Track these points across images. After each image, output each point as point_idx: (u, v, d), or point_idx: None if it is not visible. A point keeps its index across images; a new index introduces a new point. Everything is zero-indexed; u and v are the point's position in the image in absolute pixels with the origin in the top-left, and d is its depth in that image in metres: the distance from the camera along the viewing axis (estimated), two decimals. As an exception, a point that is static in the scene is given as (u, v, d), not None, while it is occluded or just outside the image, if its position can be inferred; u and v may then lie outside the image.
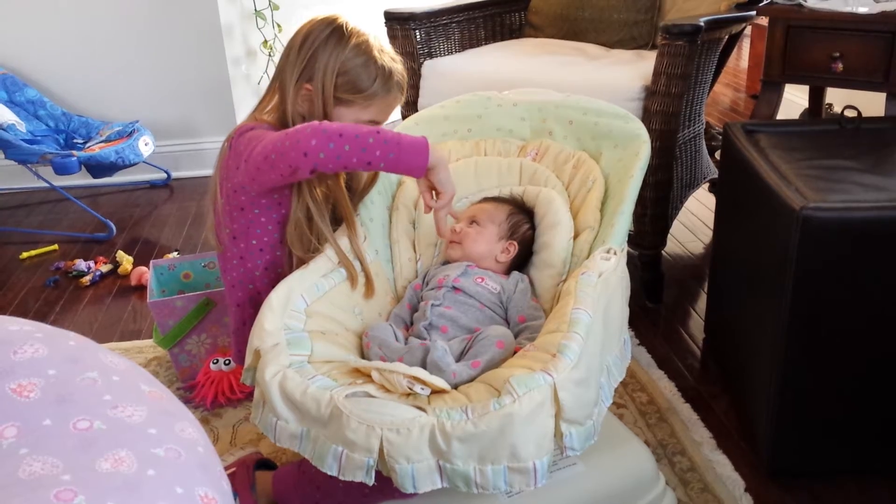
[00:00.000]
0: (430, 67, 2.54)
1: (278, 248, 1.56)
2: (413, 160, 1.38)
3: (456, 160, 1.78)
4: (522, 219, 1.67)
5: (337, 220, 1.59)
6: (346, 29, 1.49)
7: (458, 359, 1.39)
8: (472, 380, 1.31)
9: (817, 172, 1.64)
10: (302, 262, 1.51)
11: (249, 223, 1.55)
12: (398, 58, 1.56)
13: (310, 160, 1.34)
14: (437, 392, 1.25)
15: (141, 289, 2.59)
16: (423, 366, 1.32)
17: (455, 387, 1.29)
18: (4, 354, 0.97)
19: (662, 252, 2.37)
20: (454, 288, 1.56)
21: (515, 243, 1.65)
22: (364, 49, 1.49)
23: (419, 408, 1.18)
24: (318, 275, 1.46)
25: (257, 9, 3.57)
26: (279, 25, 3.59)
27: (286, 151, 1.35)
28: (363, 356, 1.43)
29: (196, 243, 2.96)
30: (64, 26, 3.46)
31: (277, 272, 1.54)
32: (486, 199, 1.72)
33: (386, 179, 1.71)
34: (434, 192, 1.49)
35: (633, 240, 2.28)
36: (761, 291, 1.67)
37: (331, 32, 1.49)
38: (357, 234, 1.57)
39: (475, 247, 1.63)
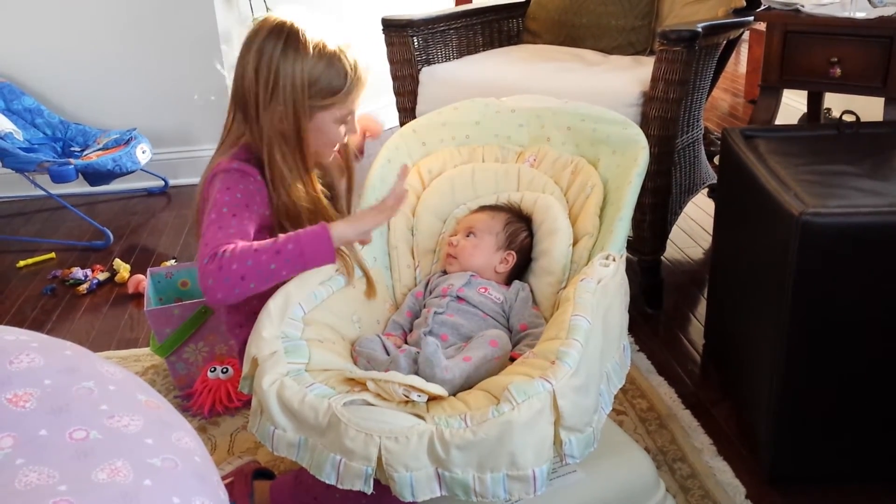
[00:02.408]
0: (427, 74, 2.54)
1: None
2: (319, 258, 1.36)
3: (454, 167, 1.78)
4: (520, 227, 1.66)
5: None
6: (298, 34, 1.42)
7: (456, 365, 1.38)
8: (464, 377, 1.32)
9: (816, 178, 1.63)
10: None
11: None
12: (350, 41, 1.47)
13: (208, 297, 1.34)
14: (435, 399, 1.24)
15: (138, 297, 2.59)
16: (413, 374, 1.31)
17: (452, 390, 1.29)
18: (0, 364, 0.97)
19: (662, 258, 2.37)
20: (458, 298, 1.55)
21: (514, 253, 1.64)
22: (323, 50, 1.42)
23: (418, 415, 1.18)
24: (315, 282, 1.45)
25: (255, 15, 3.57)
26: (277, 32, 3.58)
27: (198, 276, 1.35)
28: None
29: (193, 251, 2.95)
30: (61, 34, 3.46)
31: (273, 288, 1.53)
32: (482, 208, 1.71)
33: (383, 186, 1.71)
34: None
35: (632, 246, 2.28)
36: (761, 297, 1.67)
37: (285, 44, 1.41)
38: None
39: (472, 260, 1.63)
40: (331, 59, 1.43)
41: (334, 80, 1.44)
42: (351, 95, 1.47)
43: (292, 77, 1.41)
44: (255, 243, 1.35)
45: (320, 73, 1.43)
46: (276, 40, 1.42)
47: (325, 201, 1.53)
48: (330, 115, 1.47)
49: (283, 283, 1.42)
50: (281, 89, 1.42)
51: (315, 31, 1.43)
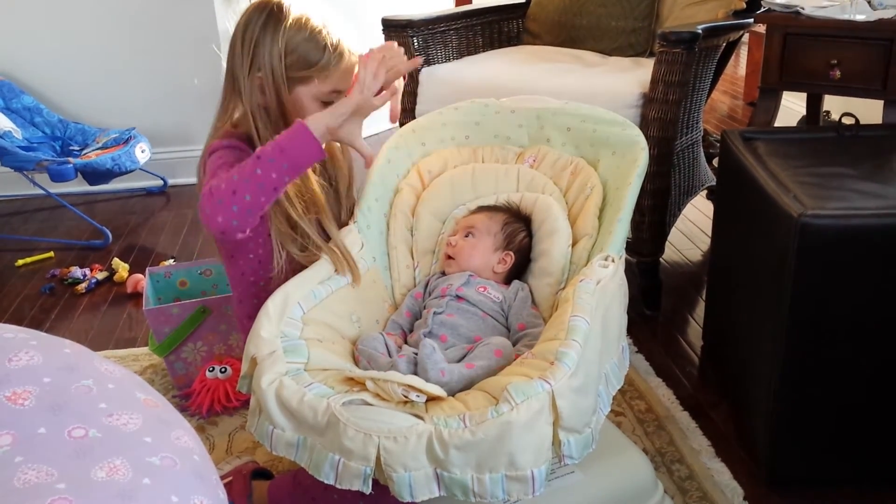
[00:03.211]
0: (428, 74, 2.54)
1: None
2: (305, 151, 1.36)
3: (453, 167, 1.78)
4: (518, 227, 1.66)
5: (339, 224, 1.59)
6: (282, 8, 1.46)
7: (456, 367, 1.38)
8: (464, 382, 1.31)
9: (815, 180, 1.63)
10: (300, 264, 1.51)
11: (240, 240, 1.53)
12: (340, 24, 1.50)
13: (234, 230, 1.34)
14: (434, 400, 1.24)
15: (137, 296, 2.59)
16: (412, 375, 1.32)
17: (452, 393, 1.28)
18: (-1, 362, 0.97)
19: (660, 259, 2.37)
20: (457, 297, 1.55)
21: (512, 253, 1.64)
22: (305, 23, 1.46)
23: (417, 416, 1.18)
24: (315, 282, 1.45)
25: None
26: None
27: (211, 232, 1.36)
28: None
29: (192, 251, 2.95)
30: (60, 33, 3.46)
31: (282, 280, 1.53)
32: (480, 209, 1.71)
33: (383, 187, 1.71)
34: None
35: (631, 247, 2.28)
36: (760, 299, 1.67)
37: (268, 16, 1.45)
38: (330, 220, 1.54)
39: (471, 260, 1.63)
40: (311, 33, 1.46)
41: (312, 53, 1.46)
42: (329, 71, 1.48)
43: (270, 45, 1.44)
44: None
45: (297, 44, 1.45)
46: (261, 12, 1.46)
47: (315, 185, 1.53)
48: (308, 89, 1.48)
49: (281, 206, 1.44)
50: (259, 57, 1.45)
51: (300, 7, 1.47)
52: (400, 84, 1.54)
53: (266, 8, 1.46)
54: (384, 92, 1.45)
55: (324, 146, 1.38)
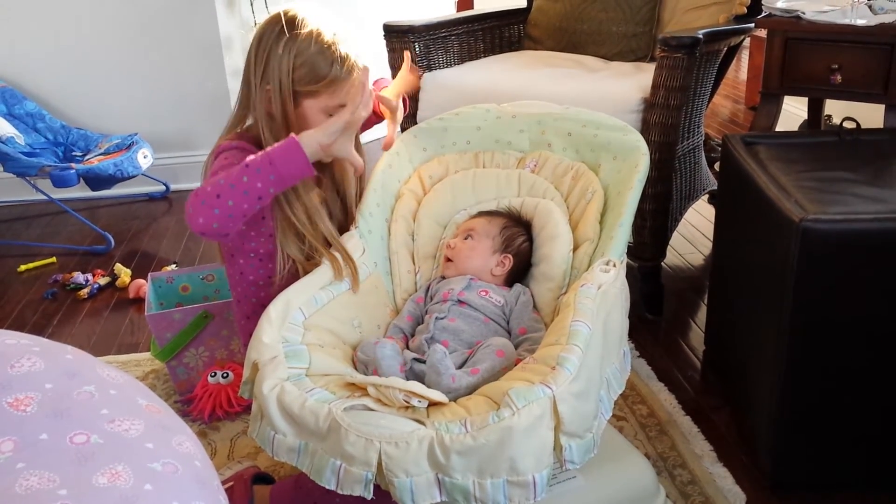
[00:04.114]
0: (429, 80, 2.54)
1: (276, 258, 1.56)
2: (294, 166, 1.37)
3: (455, 172, 1.78)
4: (517, 231, 1.66)
5: (340, 229, 1.59)
6: (296, 22, 1.47)
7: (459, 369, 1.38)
8: (471, 388, 1.31)
9: (816, 184, 1.63)
10: (303, 268, 1.51)
11: (242, 238, 1.55)
12: (351, 38, 1.51)
13: (214, 233, 1.37)
14: (435, 405, 1.24)
15: (139, 301, 2.59)
16: (398, 367, 1.34)
17: (454, 399, 1.28)
18: (1, 368, 0.97)
19: (662, 264, 2.37)
20: (459, 301, 1.55)
21: (510, 256, 1.64)
22: (316, 37, 1.46)
23: (418, 421, 1.18)
24: (316, 287, 1.46)
25: (257, 21, 3.57)
26: (278, 38, 3.59)
27: (193, 231, 1.38)
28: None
29: (194, 256, 2.96)
30: (63, 39, 3.47)
31: (281, 282, 1.54)
32: (480, 214, 1.72)
33: (384, 192, 1.71)
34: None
35: (632, 251, 2.28)
36: (761, 303, 1.67)
37: (281, 28, 1.47)
38: (332, 226, 1.55)
39: (468, 262, 1.63)
40: (321, 47, 1.47)
41: (321, 67, 1.47)
42: (336, 86, 1.48)
43: (280, 58, 1.46)
44: None
45: (307, 58, 1.46)
46: (275, 24, 1.48)
47: (316, 197, 1.54)
48: (316, 103, 1.49)
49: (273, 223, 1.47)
50: (271, 69, 1.47)
51: (315, 21, 1.48)
52: (400, 114, 1.55)
53: (280, 21, 1.48)
54: (384, 109, 1.48)
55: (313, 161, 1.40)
